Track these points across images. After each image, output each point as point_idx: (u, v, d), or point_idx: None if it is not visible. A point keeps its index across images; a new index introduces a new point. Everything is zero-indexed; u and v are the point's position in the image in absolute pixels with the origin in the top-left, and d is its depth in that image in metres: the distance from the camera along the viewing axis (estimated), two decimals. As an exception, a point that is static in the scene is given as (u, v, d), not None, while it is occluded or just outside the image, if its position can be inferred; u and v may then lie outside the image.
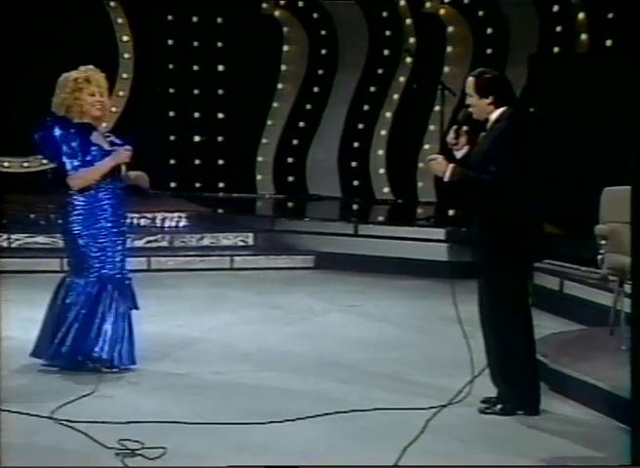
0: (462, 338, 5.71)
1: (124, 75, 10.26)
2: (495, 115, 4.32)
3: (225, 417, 4.03)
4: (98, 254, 4.73)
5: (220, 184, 10.57)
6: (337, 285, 7.29)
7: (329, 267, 7.94)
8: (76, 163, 4.68)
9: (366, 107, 10.22)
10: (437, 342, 5.09)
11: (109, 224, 4.75)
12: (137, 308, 4.86)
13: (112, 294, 4.74)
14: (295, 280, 7.75)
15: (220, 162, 10.58)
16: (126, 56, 10.28)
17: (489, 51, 9.70)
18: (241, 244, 8.58)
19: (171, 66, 10.39)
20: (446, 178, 4.24)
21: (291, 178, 10.61)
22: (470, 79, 4.35)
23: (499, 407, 4.27)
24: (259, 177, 10.65)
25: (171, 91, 10.42)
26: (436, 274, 7.04)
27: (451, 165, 4.24)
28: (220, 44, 10.50)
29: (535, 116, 4.17)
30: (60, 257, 8.00)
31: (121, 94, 10.22)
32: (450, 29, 9.90)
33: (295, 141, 10.60)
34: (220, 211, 9.32)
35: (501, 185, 4.18)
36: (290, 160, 10.63)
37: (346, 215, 9.40)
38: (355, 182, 10.33)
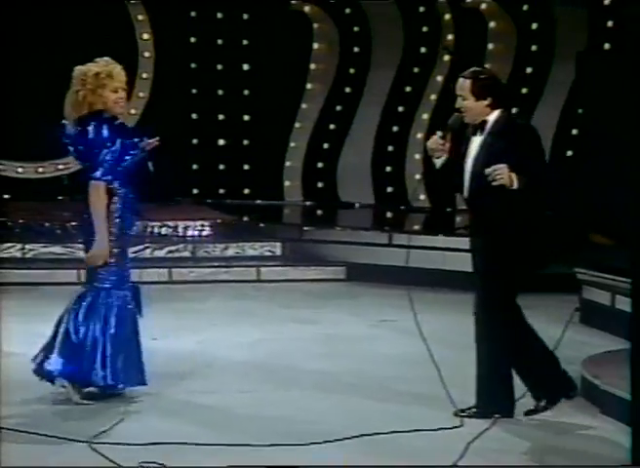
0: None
1: (144, 75, 10.35)
2: (492, 117, 4.35)
3: (250, 438, 4.04)
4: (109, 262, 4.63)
5: (246, 191, 10.63)
6: (369, 298, 7.30)
7: (361, 279, 7.95)
8: (107, 174, 4.59)
9: (401, 108, 10.23)
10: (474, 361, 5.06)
11: (117, 231, 4.65)
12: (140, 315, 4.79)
13: (112, 307, 4.65)
14: (324, 293, 7.76)
15: (246, 167, 10.63)
16: (146, 54, 10.38)
17: (534, 48, 9.68)
18: (268, 254, 8.62)
19: (193, 65, 10.47)
20: (515, 186, 4.26)
21: (320, 184, 10.63)
22: (464, 80, 4.37)
23: (472, 410, 4.37)
24: (286, 183, 10.69)
25: (193, 91, 10.50)
26: (473, 287, 7.01)
27: (513, 174, 4.25)
28: (245, 42, 10.57)
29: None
30: (78, 268, 8.15)
31: (141, 95, 10.32)
32: (491, 25, 9.89)
33: (325, 145, 10.63)
34: (245, 219, 9.37)
35: (551, 188, 4.30)
36: (319, 165, 10.66)
37: (380, 224, 9.41)
38: (389, 189, 10.33)
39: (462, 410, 4.41)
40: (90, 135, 4.58)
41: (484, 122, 4.36)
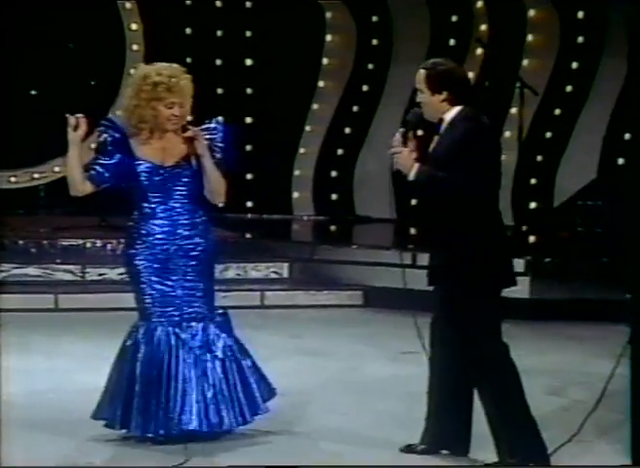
0: (548, 395, 5.69)
1: (132, 71, 10.40)
2: (450, 115, 4.38)
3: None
4: (156, 295, 4.66)
5: (249, 203, 10.64)
6: (389, 327, 7.28)
7: (380, 305, 7.94)
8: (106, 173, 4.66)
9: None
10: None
11: (162, 254, 4.67)
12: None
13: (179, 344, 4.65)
14: (339, 321, 7.75)
15: (249, 176, 10.65)
16: (134, 47, 10.44)
17: (580, 39, 9.68)
18: (274, 276, 8.62)
19: (189, 60, 10.49)
20: (411, 177, 4.31)
21: (334, 196, 10.64)
22: (421, 72, 4.42)
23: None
24: (295, 195, 10.70)
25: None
26: (514, 314, 7.01)
27: (417, 163, 4.30)
28: (248, 33, 10.62)
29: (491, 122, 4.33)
30: (55, 293, 8.19)
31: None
32: (531, 13, 9.91)
33: (339, 151, 10.65)
34: (248, 235, 9.39)
35: (474, 189, 4.25)
36: (333, 174, 10.67)
37: (402, 242, 9.40)
38: (413, 201, 10.33)
39: (487, 465, 4.38)
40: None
41: (441, 119, 4.39)
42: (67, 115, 4.68)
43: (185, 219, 4.72)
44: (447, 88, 4.35)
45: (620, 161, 9.34)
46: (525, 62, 9.80)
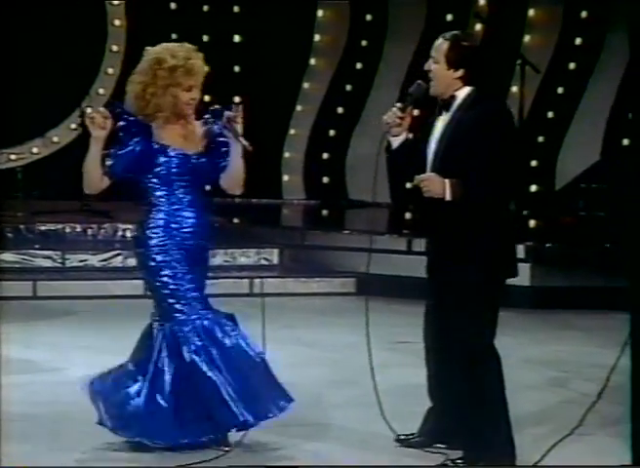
0: (550, 386, 5.70)
1: (114, 47, 10.39)
2: (462, 94, 4.32)
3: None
4: (175, 292, 4.51)
5: (237, 187, 10.62)
6: (384, 315, 7.26)
7: (374, 293, 7.91)
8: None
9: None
10: (516, 390, 5.07)
11: (182, 248, 4.52)
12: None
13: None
14: (331, 309, 7.75)
15: (237, 159, 10.63)
16: (116, 22, 10.41)
17: (584, 14, 9.66)
18: (263, 263, 8.63)
19: (174, 36, 10.47)
20: (448, 197, 4.24)
21: (326, 180, 10.63)
22: (443, 42, 4.34)
23: (464, 460, 4.32)
24: (285, 178, 10.69)
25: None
26: (515, 303, 7.02)
27: (447, 180, 4.24)
28: (236, 9, 10.58)
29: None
30: (34, 280, 8.16)
31: (110, 71, 10.35)
32: (533, -13, 9.89)
33: (331, 132, 10.63)
34: (236, 221, 9.38)
35: (508, 188, 4.25)
36: (325, 156, 10.66)
37: (397, 227, 9.40)
38: (408, 184, 10.31)
39: (453, 462, 4.37)
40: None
41: (452, 98, 4.33)
42: (86, 109, 4.52)
43: (201, 211, 4.59)
44: (466, 65, 4.30)
45: (626, 142, 9.33)
46: (526, 38, 9.77)
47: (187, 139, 4.59)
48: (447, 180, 4.23)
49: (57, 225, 8.76)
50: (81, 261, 8.46)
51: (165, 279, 4.52)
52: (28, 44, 9.88)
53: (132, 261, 8.58)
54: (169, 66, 4.45)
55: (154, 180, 4.57)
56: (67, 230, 8.79)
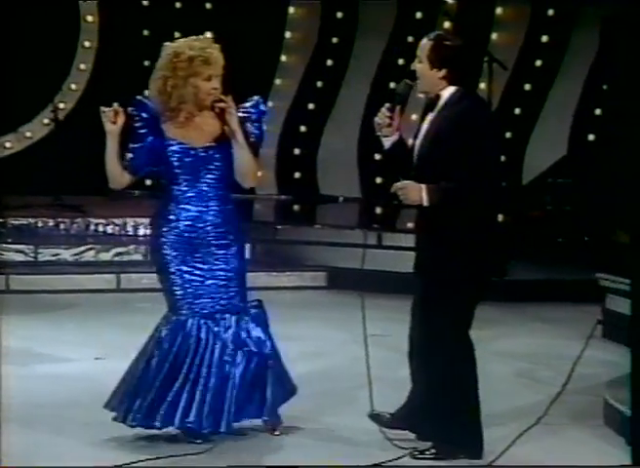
0: (519, 378, 5.74)
1: (86, 43, 10.34)
2: (447, 93, 4.36)
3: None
4: (186, 286, 4.53)
5: (209, 182, 10.61)
6: (355, 309, 7.27)
7: (345, 286, 7.95)
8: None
9: (393, 85, 10.24)
10: (486, 383, 5.11)
11: (190, 241, 4.53)
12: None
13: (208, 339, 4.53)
14: (302, 303, 7.76)
15: (209, 154, 10.62)
16: (89, 19, 10.35)
17: (550, 12, 9.72)
18: (234, 257, 8.62)
19: (146, 33, 10.45)
20: (426, 203, 4.27)
21: (298, 175, 10.64)
22: (426, 42, 4.38)
23: (432, 451, 4.37)
24: (258, 174, 10.67)
25: (146, 63, 10.46)
26: (486, 295, 7.05)
27: (424, 186, 4.26)
28: (208, 6, 10.56)
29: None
30: (6, 274, 8.12)
31: (82, 67, 10.30)
32: (500, -15, 9.93)
33: (303, 128, 10.64)
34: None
35: (483, 190, 4.26)
36: (296, 152, 10.66)
37: (368, 222, 9.43)
38: (379, 180, 10.34)
39: (422, 452, 4.40)
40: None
41: (437, 97, 4.36)
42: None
43: (216, 205, 4.60)
44: (449, 65, 4.33)
45: (591, 137, 9.40)
46: (494, 36, 9.82)
47: (199, 133, 4.59)
48: (423, 186, 4.26)
49: (29, 220, 8.72)
50: (54, 255, 8.43)
51: (171, 271, 4.54)
52: (0, 40, 9.80)
53: (104, 256, 8.58)
54: (187, 57, 4.49)
55: (164, 175, 4.61)
56: (40, 225, 8.74)
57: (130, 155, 4.60)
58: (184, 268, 4.54)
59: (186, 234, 4.55)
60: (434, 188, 4.25)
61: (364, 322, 4.65)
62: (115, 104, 4.56)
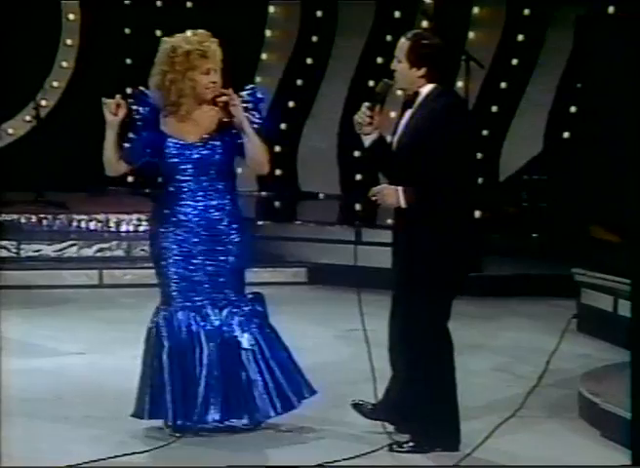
0: (496, 372, 5.78)
1: (68, 41, 10.32)
2: (425, 90, 4.39)
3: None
4: (178, 279, 4.54)
5: (190, 179, 10.60)
6: (335, 304, 7.33)
7: (325, 282, 7.99)
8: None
9: (372, 83, 10.27)
10: (463, 377, 5.17)
11: (188, 236, 4.54)
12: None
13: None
14: (283, 298, 7.75)
15: (190, 151, 10.61)
16: (71, 17, 10.33)
17: (526, 11, 9.77)
18: (216, 253, 8.63)
19: (127, 31, 10.43)
20: (404, 205, 4.32)
21: (278, 172, 10.63)
22: (404, 41, 4.42)
23: (410, 444, 4.41)
24: (238, 171, 10.63)
25: (128, 62, 10.47)
26: (463, 290, 7.09)
27: (400, 188, 4.31)
28: (189, 4, 10.55)
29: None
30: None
31: (64, 65, 10.28)
32: (477, -15, 9.97)
33: (283, 126, 10.65)
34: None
35: (458, 188, 4.31)
36: (277, 149, 10.66)
37: (347, 218, 9.45)
38: (358, 176, 10.38)
39: (400, 445, 4.44)
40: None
41: (416, 94, 4.40)
42: (104, 99, 4.55)
43: (214, 200, 4.59)
44: (428, 64, 4.37)
45: (566, 135, 9.46)
46: (471, 35, 9.86)
47: (198, 127, 4.59)
48: (399, 188, 4.30)
49: (12, 216, 8.70)
50: (36, 251, 8.41)
51: (164, 267, 4.55)
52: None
53: (86, 252, 8.58)
54: (184, 51, 4.49)
55: (162, 169, 4.63)
56: (23, 221, 8.73)
57: (127, 145, 4.64)
58: (179, 262, 4.54)
59: (184, 229, 4.56)
60: (410, 190, 4.29)
61: (362, 318, 4.65)
62: (118, 96, 4.57)
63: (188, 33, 4.58)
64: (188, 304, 4.57)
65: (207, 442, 4.51)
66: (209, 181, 4.61)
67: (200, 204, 4.60)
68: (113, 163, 4.62)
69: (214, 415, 4.49)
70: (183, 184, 4.59)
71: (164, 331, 4.55)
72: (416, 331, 4.40)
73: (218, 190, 4.62)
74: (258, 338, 4.64)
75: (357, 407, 4.68)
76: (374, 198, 4.36)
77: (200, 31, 4.60)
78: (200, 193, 4.60)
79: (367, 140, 4.50)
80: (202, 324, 4.55)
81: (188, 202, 4.59)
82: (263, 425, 4.66)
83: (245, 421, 4.57)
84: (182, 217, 4.59)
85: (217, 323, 4.57)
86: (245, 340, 4.61)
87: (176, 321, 4.55)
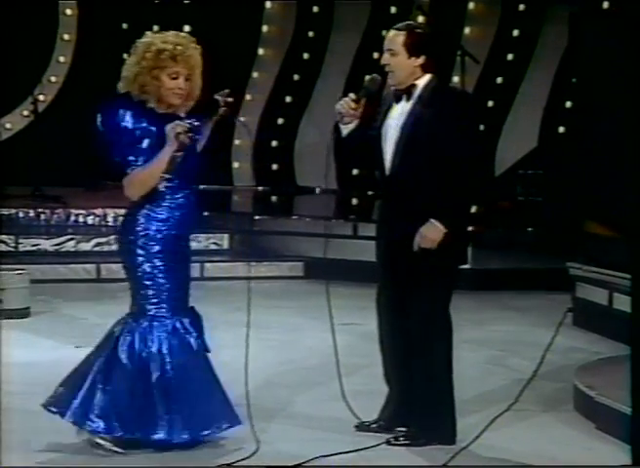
0: (491, 365, 5.77)
1: (65, 36, 10.29)
2: (422, 82, 4.35)
3: None
4: (154, 289, 4.38)
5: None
6: (332, 298, 7.31)
7: (322, 276, 7.93)
8: (139, 164, 4.36)
9: (368, 78, 10.25)
10: (458, 371, 5.15)
11: (161, 242, 4.36)
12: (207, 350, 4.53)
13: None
14: (280, 292, 7.77)
15: (187, 146, 10.59)
16: (68, 12, 10.31)
17: (521, 7, 9.75)
18: (213, 248, 8.61)
19: (125, 26, 10.40)
20: (445, 231, 4.27)
21: (275, 167, 10.63)
22: (398, 33, 4.35)
23: (407, 437, 4.39)
24: (235, 165, 10.67)
25: (124, 56, 10.36)
26: (457, 284, 7.08)
27: (437, 222, 4.25)
28: (186, 0, 10.52)
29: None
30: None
31: (62, 59, 10.25)
32: (472, -19, 9.95)
33: (280, 121, 10.63)
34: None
35: (478, 183, 4.31)
36: (274, 144, 10.66)
37: (344, 213, 9.44)
38: (355, 171, 10.36)
39: (396, 438, 4.42)
40: (111, 122, 4.35)
41: (412, 87, 4.35)
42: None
43: (185, 203, 4.44)
44: (426, 52, 4.32)
45: (561, 129, 9.44)
46: (466, 30, 9.84)
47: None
48: (432, 221, 4.25)
49: (10, 210, 8.68)
50: (34, 246, 8.39)
51: (139, 274, 4.42)
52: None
53: (84, 246, 8.56)
54: (156, 49, 4.39)
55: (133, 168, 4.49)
56: (21, 215, 8.71)
57: (137, 157, 4.44)
58: (156, 270, 4.39)
59: (158, 235, 4.40)
60: (445, 215, 4.26)
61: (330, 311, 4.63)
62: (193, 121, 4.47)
63: (170, 33, 4.47)
64: (158, 313, 4.43)
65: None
66: (181, 186, 4.48)
67: (173, 207, 4.46)
68: (157, 180, 4.44)
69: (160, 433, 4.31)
70: (162, 189, 4.44)
71: (125, 339, 4.41)
72: (420, 324, 4.37)
73: (186, 193, 4.49)
74: (201, 350, 4.53)
75: (364, 428, 4.57)
76: (422, 246, 4.29)
77: (183, 34, 4.49)
78: (174, 195, 4.46)
79: (345, 130, 4.46)
80: (165, 333, 4.41)
81: (162, 206, 4.46)
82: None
83: (186, 436, 4.36)
84: (159, 222, 4.44)
85: (175, 332, 4.46)
86: (191, 350, 4.49)
87: (141, 329, 4.41)
